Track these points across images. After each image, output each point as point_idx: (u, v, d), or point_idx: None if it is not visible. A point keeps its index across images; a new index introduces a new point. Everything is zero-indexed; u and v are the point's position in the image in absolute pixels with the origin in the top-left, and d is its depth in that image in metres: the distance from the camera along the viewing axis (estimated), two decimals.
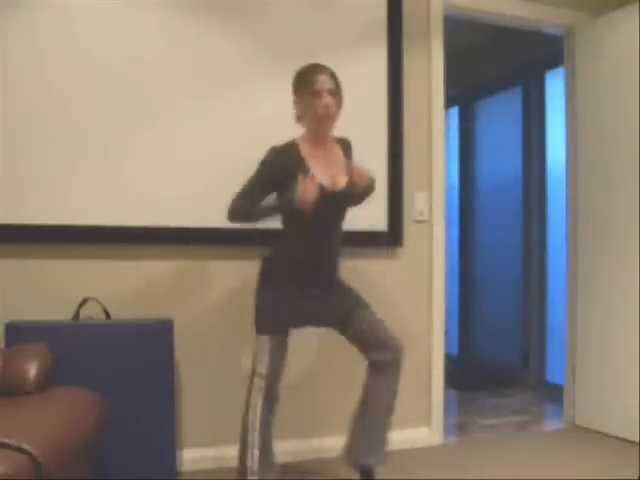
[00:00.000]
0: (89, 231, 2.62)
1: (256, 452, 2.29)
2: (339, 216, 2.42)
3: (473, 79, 5.08)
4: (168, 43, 2.74)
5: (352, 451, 2.46)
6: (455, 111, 5.43)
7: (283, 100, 2.87)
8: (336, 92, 2.29)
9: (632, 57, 3.18)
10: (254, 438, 2.29)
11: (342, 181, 2.32)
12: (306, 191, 2.15)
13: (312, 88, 2.25)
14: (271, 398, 2.35)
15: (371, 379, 2.43)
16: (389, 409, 2.45)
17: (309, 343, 2.92)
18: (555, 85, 4.19)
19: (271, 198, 2.33)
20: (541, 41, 4.00)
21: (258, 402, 2.32)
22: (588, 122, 3.48)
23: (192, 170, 2.77)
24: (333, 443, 2.69)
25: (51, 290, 2.58)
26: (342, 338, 2.46)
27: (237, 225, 2.81)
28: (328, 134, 2.37)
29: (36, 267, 2.59)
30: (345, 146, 2.48)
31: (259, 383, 2.32)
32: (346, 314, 2.43)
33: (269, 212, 2.34)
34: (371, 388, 2.43)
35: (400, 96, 3.11)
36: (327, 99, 2.24)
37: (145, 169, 2.71)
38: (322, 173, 2.29)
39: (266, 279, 2.37)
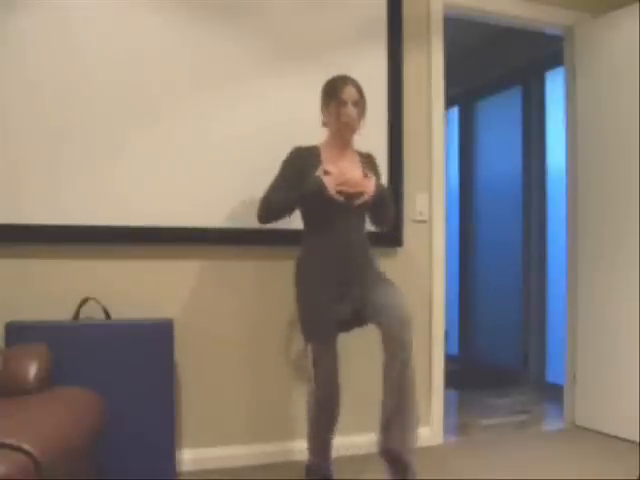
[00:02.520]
0: (89, 231, 2.62)
1: (310, 454, 2.50)
2: (357, 217, 2.45)
3: (473, 79, 5.08)
4: (166, 43, 2.74)
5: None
6: (455, 111, 5.43)
7: (284, 100, 2.89)
8: (359, 103, 2.42)
9: (632, 57, 3.18)
10: (309, 440, 2.48)
11: (357, 176, 2.41)
12: (328, 179, 2.32)
13: (338, 98, 2.38)
14: (324, 406, 2.41)
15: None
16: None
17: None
18: (555, 85, 4.19)
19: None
20: (541, 41, 4.00)
21: (310, 407, 2.45)
22: (588, 122, 3.47)
23: (192, 170, 2.77)
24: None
25: (51, 290, 2.58)
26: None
27: (236, 225, 2.82)
28: (349, 142, 2.49)
29: (36, 267, 2.58)
30: (369, 161, 2.56)
31: (309, 388, 2.44)
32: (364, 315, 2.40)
33: (289, 202, 2.42)
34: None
35: (400, 96, 3.11)
36: (350, 109, 2.39)
37: (145, 169, 2.71)
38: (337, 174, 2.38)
39: (299, 284, 2.45)
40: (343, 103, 2.38)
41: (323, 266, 2.38)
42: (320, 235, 2.42)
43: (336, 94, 2.39)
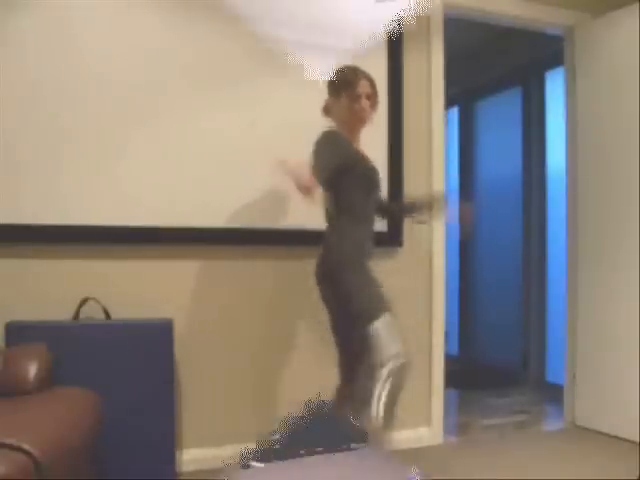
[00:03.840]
0: (89, 231, 2.61)
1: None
2: None
3: (473, 79, 5.08)
4: (167, 43, 2.74)
5: None
6: (455, 111, 5.43)
7: (284, 99, 2.89)
8: (372, 96, 2.42)
9: (632, 57, 3.18)
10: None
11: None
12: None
13: (354, 91, 2.36)
14: (406, 375, 2.23)
15: None
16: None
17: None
18: (555, 85, 4.19)
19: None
20: (541, 41, 4.00)
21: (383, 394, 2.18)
22: (588, 122, 3.47)
23: (192, 170, 2.77)
24: None
25: (51, 290, 2.58)
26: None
27: (236, 225, 2.82)
28: (359, 133, 2.47)
29: (36, 267, 2.58)
30: None
31: (384, 372, 2.17)
32: None
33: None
34: None
35: (400, 96, 3.11)
36: (365, 103, 2.38)
37: (145, 169, 2.71)
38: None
39: (350, 269, 2.30)
40: (358, 97, 2.36)
41: (364, 248, 2.37)
42: (361, 222, 2.39)
43: (350, 88, 2.37)
